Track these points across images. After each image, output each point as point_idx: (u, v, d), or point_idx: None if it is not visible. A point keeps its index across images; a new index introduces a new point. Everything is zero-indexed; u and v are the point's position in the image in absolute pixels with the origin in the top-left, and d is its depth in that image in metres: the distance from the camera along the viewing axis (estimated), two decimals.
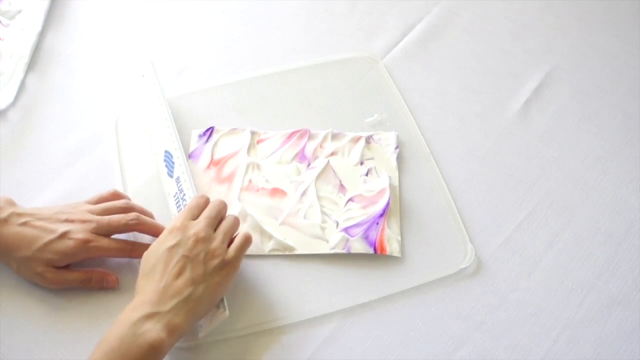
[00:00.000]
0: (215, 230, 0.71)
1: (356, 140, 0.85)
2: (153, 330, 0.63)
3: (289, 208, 0.80)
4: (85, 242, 0.72)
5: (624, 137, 0.86)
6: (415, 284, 0.75)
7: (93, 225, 0.73)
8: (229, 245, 0.70)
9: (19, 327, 0.72)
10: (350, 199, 0.80)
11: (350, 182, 0.82)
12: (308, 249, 0.77)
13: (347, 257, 0.76)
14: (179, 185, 0.77)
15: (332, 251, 0.76)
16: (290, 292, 0.74)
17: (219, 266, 0.68)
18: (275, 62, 0.93)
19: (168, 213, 0.78)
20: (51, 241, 0.71)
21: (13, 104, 0.89)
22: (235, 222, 0.73)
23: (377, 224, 0.77)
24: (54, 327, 0.72)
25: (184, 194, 0.76)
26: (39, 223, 0.72)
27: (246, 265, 0.76)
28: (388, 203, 0.79)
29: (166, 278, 0.66)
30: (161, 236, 0.70)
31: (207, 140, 0.85)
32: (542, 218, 0.80)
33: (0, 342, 0.71)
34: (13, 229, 0.71)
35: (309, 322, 0.72)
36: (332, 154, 0.84)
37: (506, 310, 0.73)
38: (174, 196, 0.77)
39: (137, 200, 0.79)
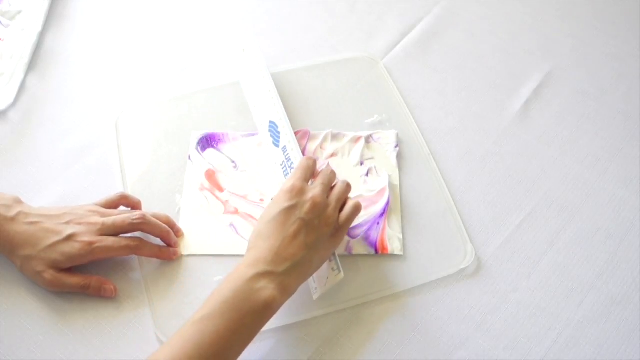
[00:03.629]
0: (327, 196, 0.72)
1: (356, 140, 0.85)
2: (267, 289, 0.64)
3: None
4: (90, 244, 0.72)
5: (624, 137, 0.86)
6: (415, 284, 0.75)
7: (98, 227, 0.73)
8: (339, 212, 0.72)
9: (19, 327, 0.72)
10: None
11: (351, 183, 0.82)
12: None
13: (347, 257, 0.76)
14: (285, 154, 0.79)
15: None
16: None
17: (332, 233, 0.70)
18: (276, 62, 0.93)
19: (171, 213, 0.78)
20: (57, 242, 0.71)
21: (13, 104, 0.89)
22: (347, 189, 0.74)
23: (378, 224, 0.77)
24: (54, 327, 0.72)
25: (292, 163, 0.78)
26: (46, 224, 0.72)
27: None
28: (388, 202, 0.79)
29: (282, 238, 0.67)
30: (277, 195, 0.71)
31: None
32: (542, 218, 0.80)
33: (0, 342, 0.71)
34: (20, 227, 0.72)
35: (309, 322, 0.72)
36: (333, 155, 0.84)
37: (506, 310, 0.73)
38: (281, 164, 0.79)
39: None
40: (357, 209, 0.73)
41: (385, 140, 0.85)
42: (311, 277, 0.72)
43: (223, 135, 0.86)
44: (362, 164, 0.83)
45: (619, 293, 0.74)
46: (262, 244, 0.67)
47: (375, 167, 0.83)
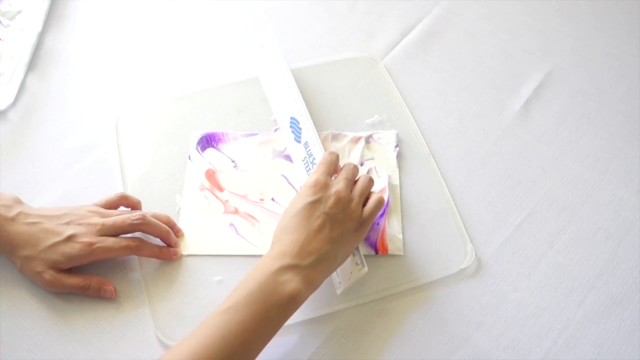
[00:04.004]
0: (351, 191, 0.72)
1: (356, 140, 0.85)
2: (293, 281, 0.65)
3: None
4: (90, 245, 0.72)
5: (624, 137, 0.86)
6: (415, 284, 0.75)
7: (98, 227, 0.73)
8: (363, 206, 0.72)
9: (19, 327, 0.72)
10: None
11: None
12: None
13: None
14: (307, 149, 0.79)
15: None
16: None
17: (355, 227, 0.70)
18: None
19: (171, 213, 0.78)
20: (57, 243, 0.72)
21: (13, 104, 0.89)
22: (370, 184, 0.74)
23: (378, 224, 0.77)
24: (54, 327, 0.72)
25: (314, 158, 0.78)
26: (46, 224, 0.72)
27: (243, 266, 0.76)
28: (388, 202, 0.79)
29: (307, 232, 0.68)
30: (301, 190, 0.71)
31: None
32: (542, 218, 0.80)
33: (0, 342, 0.71)
34: (20, 227, 0.72)
35: (309, 322, 0.72)
36: None
37: (506, 310, 0.73)
38: (303, 160, 0.79)
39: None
40: (380, 203, 0.73)
41: (385, 140, 0.85)
42: (334, 272, 0.72)
43: (223, 135, 0.86)
44: (362, 164, 0.83)
45: (619, 293, 0.74)
46: (286, 238, 0.68)
47: (375, 168, 0.83)
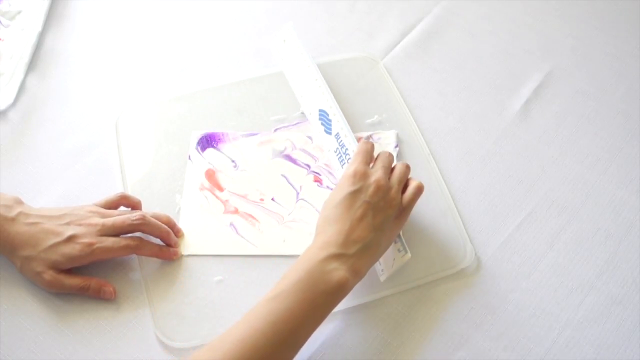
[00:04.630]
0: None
1: (356, 140, 0.85)
2: (340, 270, 0.66)
3: (288, 210, 0.80)
4: (90, 245, 0.72)
5: (624, 137, 0.86)
6: (415, 284, 0.75)
7: (98, 227, 0.73)
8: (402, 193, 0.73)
9: (19, 327, 0.72)
10: None
11: None
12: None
13: None
14: (339, 140, 0.80)
15: None
16: None
17: (396, 214, 0.71)
18: (276, 62, 0.93)
19: (171, 213, 0.78)
20: (57, 243, 0.72)
21: (13, 104, 0.89)
22: (407, 171, 0.75)
23: None
24: (54, 327, 0.72)
25: (346, 149, 0.79)
26: (46, 224, 0.73)
27: (243, 265, 0.76)
28: None
29: (350, 221, 0.68)
30: (341, 181, 0.72)
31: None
32: (542, 218, 0.80)
33: (0, 342, 0.71)
34: (20, 227, 0.72)
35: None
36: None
37: (506, 310, 0.73)
38: (335, 151, 0.80)
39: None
40: (419, 189, 0.74)
41: (386, 141, 0.85)
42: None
43: (223, 135, 0.86)
44: None
45: (619, 293, 0.74)
46: (330, 228, 0.68)
47: None
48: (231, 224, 0.79)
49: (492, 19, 0.99)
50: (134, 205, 0.79)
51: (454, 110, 0.89)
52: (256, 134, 0.86)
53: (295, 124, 0.87)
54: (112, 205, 0.78)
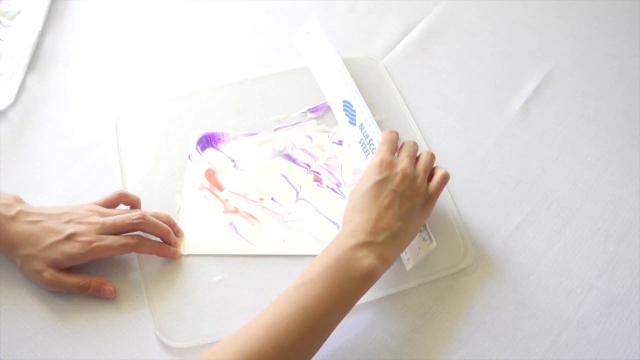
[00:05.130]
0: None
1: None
2: (369, 257, 0.66)
3: (288, 209, 0.80)
4: (90, 244, 0.72)
5: (624, 137, 0.86)
6: (415, 284, 0.75)
7: (98, 226, 0.73)
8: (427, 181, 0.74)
9: (19, 327, 0.72)
10: None
11: (351, 185, 0.82)
12: (308, 251, 0.77)
13: None
14: (363, 131, 0.81)
15: None
16: None
17: (422, 203, 0.72)
18: (276, 62, 0.93)
19: (171, 213, 0.78)
20: (57, 242, 0.72)
21: (13, 104, 0.89)
22: (432, 159, 0.76)
23: None
24: (54, 327, 0.72)
25: (370, 139, 0.80)
26: (46, 223, 0.73)
27: (244, 265, 0.76)
28: None
29: (377, 210, 0.69)
30: (367, 170, 0.73)
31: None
32: (542, 218, 0.80)
33: (0, 342, 0.71)
34: (20, 226, 0.72)
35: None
36: (333, 156, 0.84)
37: (506, 310, 0.73)
38: (360, 142, 0.81)
39: None
40: (445, 178, 0.75)
41: None
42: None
43: (223, 134, 0.86)
44: None
45: (619, 293, 0.74)
46: (358, 217, 0.69)
47: None
48: (231, 224, 0.79)
49: (492, 19, 0.99)
50: (133, 202, 0.79)
51: (454, 110, 0.89)
52: (256, 133, 0.86)
53: (295, 124, 0.87)
54: (112, 203, 0.78)
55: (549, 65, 0.93)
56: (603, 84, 0.91)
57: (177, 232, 0.78)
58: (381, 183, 0.71)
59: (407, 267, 0.74)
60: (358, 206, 0.70)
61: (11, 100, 0.89)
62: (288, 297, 0.64)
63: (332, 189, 0.81)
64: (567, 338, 0.72)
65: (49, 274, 0.72)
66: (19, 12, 0.98)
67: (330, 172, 0.83)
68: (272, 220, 0.79)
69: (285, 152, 0.84)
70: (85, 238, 0.72)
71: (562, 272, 0.76)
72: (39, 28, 0.96)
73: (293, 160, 0.84)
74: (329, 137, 0.86)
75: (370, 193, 0.70)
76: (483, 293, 0.75)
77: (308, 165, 0.84)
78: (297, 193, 0.81)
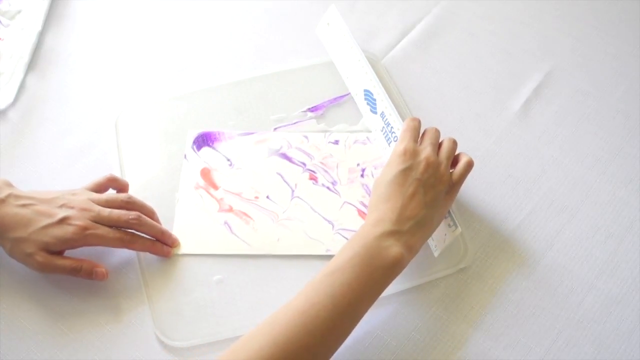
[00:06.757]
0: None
1: (354, 140, 0.85)
2: (396, 246, 0.67)
3: (283, 208, 0.80)
4: (84, 229, 0.71)
5: (624, 137, 0.86)
6: (415, 284, 0.75)
7: (93, 214, 0.73)
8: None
9: (19, 328, 0.72)
10: (346, 202, 0.80)
11: (347, 184, 0.82)
12: (303, 250, 0.77)
13: None
14: (384, 119, 0.81)
15: (328, 253, 0.76)
16: (291, 292, 0.74)
17: (446, 190, 0.72)
18: (275, 63, 0.93)
19: (170, 212, 0.78)
20: (49, 225, 0.71)
21: (13, 104, 0.89)
22: (454, 146, 0.76)
23: None
24: (54, 327, 0.72)
25: (391, 127, 0.80)
26: (38, 206, 0.72)
27: (243, 265, 0.76)
28: None
29: (402, 199, 0.69)
30: (391, 159, 0.73)
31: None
32: (542, 218, 0.80)
33: (0, 342, 0.71)
34: (11, 209, 0.71)
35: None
36: (330, 155, 0.84)
37: (506, 310, 0.73)
38: (382, 130, 0.81)
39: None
40: (469, 164, 0.75)
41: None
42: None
43: (219, 134, 0.86)
44: (358, 164, 0.83)
45: (619, 293, 0.74)
46: (383, 206, 0.69)
47: (374, 168, 0.83)
48: (225, 223, 0.79)
49: (492, 19, 0.99)
50: (122, 187, 0.79)
51: (454, 110, 0.89)
52: (253, 132, 0.86)
53: (294, 123, 0.87)
54: (101, 187, 0.78)
55: (549, 65, 0.93)
56: (603, 84, 0.91)
57: (173, 243, 0.77)
58: (405, 172, 0.71)
59: (435, 254, 0.75)
60: (383, 195, 0.70)
61: (11, 99, 0.89)
62: (316, 286, 0.65)
63: (328, 187, 0.81)
64: (567, 338, 0.72)
65: (40, 256, 0.71)
66: (19, 11, 0.98)
67: (326, 171, 0.83)
68: (267, 219, 0.79)
69: (281, 151, 0.84)
70: (79, 222, 0.71)
71: (562, 272, 0.76)
72: (39, 28, 0.96)
73: (289, 159, 0.84)
74: (325, 136, 0.86)
75: (395, 182, 0.70)
76: (483, 293, 0.75)
77: (304, 163, 0.84)
78: (293, 191, 0.81)
